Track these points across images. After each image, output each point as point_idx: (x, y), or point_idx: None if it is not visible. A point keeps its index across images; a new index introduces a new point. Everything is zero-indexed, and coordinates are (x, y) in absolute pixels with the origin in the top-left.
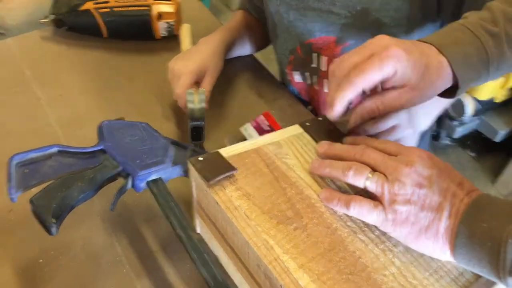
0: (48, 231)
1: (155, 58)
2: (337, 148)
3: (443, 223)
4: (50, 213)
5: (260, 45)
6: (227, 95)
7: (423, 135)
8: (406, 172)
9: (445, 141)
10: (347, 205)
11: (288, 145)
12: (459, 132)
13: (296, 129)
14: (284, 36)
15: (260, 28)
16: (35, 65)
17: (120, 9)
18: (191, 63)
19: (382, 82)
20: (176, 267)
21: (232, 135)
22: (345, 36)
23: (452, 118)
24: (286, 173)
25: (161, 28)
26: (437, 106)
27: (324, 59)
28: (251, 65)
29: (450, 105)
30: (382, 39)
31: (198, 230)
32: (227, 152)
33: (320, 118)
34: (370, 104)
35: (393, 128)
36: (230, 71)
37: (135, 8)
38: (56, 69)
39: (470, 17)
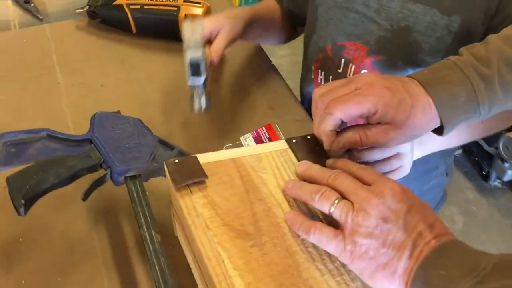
0: (17, 211)
1: (178, 59)
2: (314, 169)
3: (402, 264)
4: (21, 193)
5: (280, 37)
6: (238, 102)
7: (431, 172)
8: (374, 203)
9: (495, 182)
10: (307, 231)
11: (269, 159)
12: (510, 175)
13: (281, 145)
14: (320, 32)
15: (283, 20)
16: (63, 52)
17: (150, 7)
18: (208, 20)
19: (367, 118)
20: (146, 267)
21: (233, 142)
22: (379, 49)
23: (503, 160)
24: (259, 187)
25: None
26: (432, 141)
27: (352, 68)
28: (270, 75)
29: (502, 146)
30: (369, 76)
31: (176, 234)
32: (204, 158)
33: (308, 137)
34: (354, 134)
35: (398, 155)
36: (247, 78)
37: (164, 8)
38: (82, 58)
39: (465, 54)
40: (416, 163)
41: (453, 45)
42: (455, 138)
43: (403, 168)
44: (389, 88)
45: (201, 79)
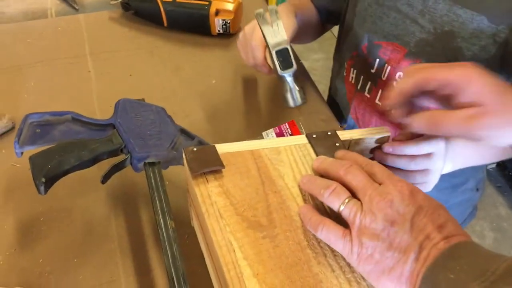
0: (38, 189)
1: (207, 53)
2: (327, 162)
3: (408, 267)
4: (43, 172)
5: (314, 34)
6: (263, 98)
7: (459, 188)
8: (381, 206)
9: None
10: (315, 226)
11: (287, 153)
12: None
13: (301, 139)
14: (357, 29)
15: (314, 19)
16: (95, 42)
17: (182, 0)
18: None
19: (455, 97)
20: (161, 254)
21: (256, 138)
22: (418, 52)
23: None
24: (275, 180)
25: (217, 24)
26: (463, 155)
27: (387, 69)
28: (299, 74)
29: None
30: (467, 63)
31: (192, 223)
32: (223, 148)
33: (329, 133)
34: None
35: (429, 155)
36: (274, 76)
37: (196, 2)
38: (113, 48)
39: None
40: (442, 178)
41: (496, 55)
42: (488, 155)
43: (426, 184)
44: (483, 73)
45: (292, 70)
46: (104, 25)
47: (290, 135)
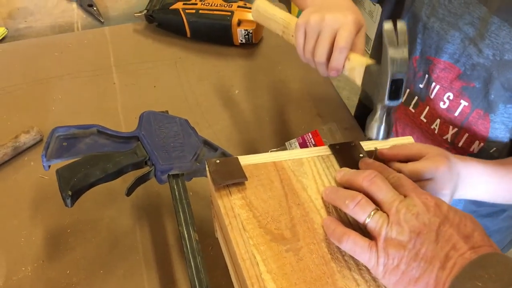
0: (64, 202)
1: (230, 63)
2: (349, 173)
3: (434, 275)
4: (69, 185)
5: None
6: (286, 107)
7: (498, 215)
8: (408, 218)
9: None
10: (339, 238)
11: (310, 164)
12: None
13: (324, 150)
14: (410, 39)
15: None
16: (120, 53)
17: (205, 11)
18: (349, 12)
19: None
20: (185, 265)
21: (278, 148)
22: (473, 76)
23: None
24: (298, 192)
25: (239, 34)
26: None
27: (435, 88)
28: (320, 81)
29: None
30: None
31: (216, 235)
32: (246, 160)
33: (352, 143)
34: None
35: (429, 181)
36: (296, 84)
37: (218, 13)
38: (137, 60)
39: None
40: (481, 205)
41: None
42: (504, 186)
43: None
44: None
45: (397, 102)
46: (129, 37)
47: (314, 145)
